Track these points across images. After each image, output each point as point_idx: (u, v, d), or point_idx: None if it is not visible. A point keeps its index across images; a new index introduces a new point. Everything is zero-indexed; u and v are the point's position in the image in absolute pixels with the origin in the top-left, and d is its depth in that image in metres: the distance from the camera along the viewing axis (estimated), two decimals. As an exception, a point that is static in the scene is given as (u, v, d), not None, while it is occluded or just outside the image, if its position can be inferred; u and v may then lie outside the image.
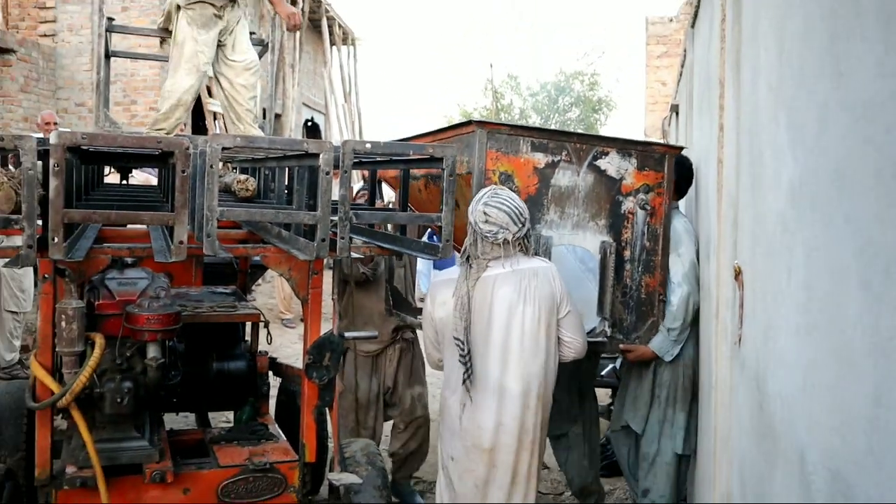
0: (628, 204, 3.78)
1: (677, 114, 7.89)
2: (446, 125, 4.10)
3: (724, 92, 2.96)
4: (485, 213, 3.21)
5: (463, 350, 3.19)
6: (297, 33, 16.33)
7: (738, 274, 2.39)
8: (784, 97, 1.77)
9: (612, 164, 3.73)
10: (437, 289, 3.42)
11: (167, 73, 5.17)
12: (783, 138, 1.75)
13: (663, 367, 3.93)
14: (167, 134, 5.01)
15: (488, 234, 3.21)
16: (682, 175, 3.99)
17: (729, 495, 2.51)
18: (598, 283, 3.76)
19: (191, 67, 4.98)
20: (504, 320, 3.20)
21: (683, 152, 4.04)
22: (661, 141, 11.11)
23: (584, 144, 3.72)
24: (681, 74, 7.06)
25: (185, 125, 5.23)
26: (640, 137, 13.49)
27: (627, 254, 3.80)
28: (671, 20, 13.98)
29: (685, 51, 6.01)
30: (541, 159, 3.64)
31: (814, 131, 1.49)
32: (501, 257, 3.23)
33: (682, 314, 3.84)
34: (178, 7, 5.02)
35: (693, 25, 4.98)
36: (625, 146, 3.78)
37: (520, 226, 3.22)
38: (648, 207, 3.78)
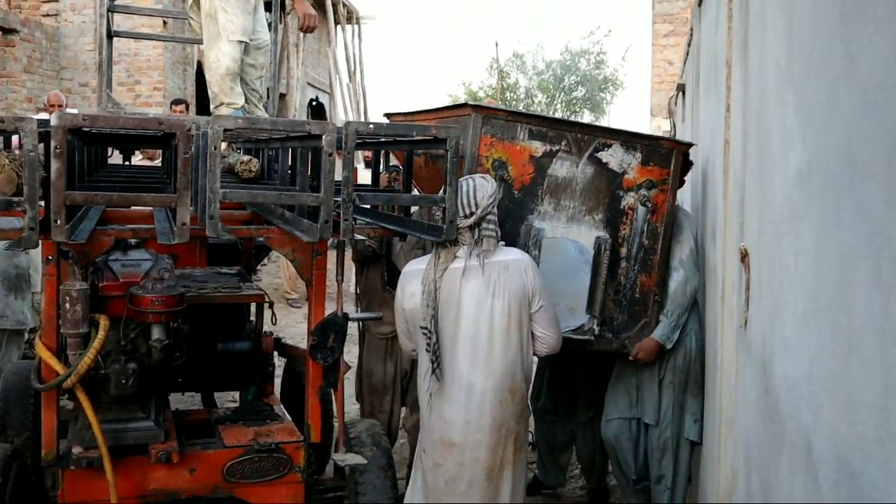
0: (629, 199, 3.65)
1: (684, 93, 7.84)
2: (444, 105, 4.03)
3: (731, 72, 2.92)
4: None
5: (430, 339, 3.15)
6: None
7: (744, 256, 2.38)
8: (792, 78, 1.75)
9: (614, 157, 3.62)
10: (406, 279, 3.34)
11: (208, 49, 5.06)
12: (792, 120, 1.73)
13: (673, 354, 3.87)
14: (230, 105, 4.94)
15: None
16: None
17: (734, 477, 2.51)
18: (590, 280, 3.67)
19: (229, 34, 4.94)
20: (473, 315, 3.16)
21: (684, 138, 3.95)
22: (668, 122, 11.04)
23: (586, 135, 3.60)
24: (687, 54, 7.00)
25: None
26: (647, 121, 13.39)
27: (624, 251, 3.69)
28: (678, -2, 13.85)
29: (692, 30, 5.96)
30: (538, 148, 3.54)
31: (823, 114, 1.47)
32: (468, 245, 3.17)
33: (677, 298, 3.76)
34: None
35: (700, 4, 4.93)
36: (630, 139, 3.66)
37: (462, 214, 3.14)
38: (650, 204, 3.66)
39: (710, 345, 3.68)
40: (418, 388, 3.37)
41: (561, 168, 3.58)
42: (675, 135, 9.16)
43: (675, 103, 9.40)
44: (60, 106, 8.02)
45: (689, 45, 6.65)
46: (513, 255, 3.26)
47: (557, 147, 3.56)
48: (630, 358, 3.81)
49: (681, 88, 8.26)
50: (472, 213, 3.15)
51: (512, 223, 3.55)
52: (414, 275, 3.29)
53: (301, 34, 16.02)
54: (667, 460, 3.97)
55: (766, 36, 2.13)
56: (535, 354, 3.31)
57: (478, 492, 3.19)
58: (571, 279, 3.72)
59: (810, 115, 1.57)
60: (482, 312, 3.16)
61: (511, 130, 3.51)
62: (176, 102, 9.80)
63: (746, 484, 2.23)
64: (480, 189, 3.18)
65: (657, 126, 12.66)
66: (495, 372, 3.16)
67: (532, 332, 3.26)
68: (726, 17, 3.10)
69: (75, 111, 6.75)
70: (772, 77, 2.02)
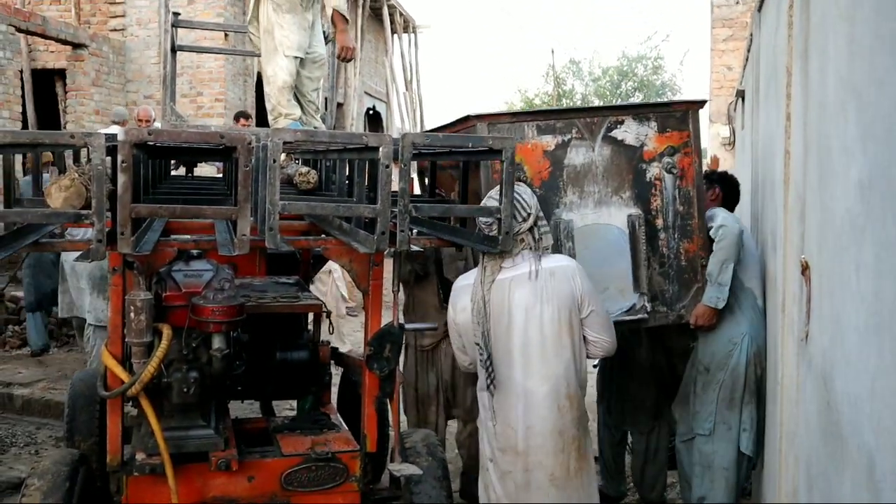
0: (654, 170, 3.62)
1: (743, 99, 7.71)
2: (450, 122, 4.09)
3: (791, 81, 2.87)
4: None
5: (483, 354, 3.18)
6: (359, 22, 16.42)
7: (805, 269, 2.33)
8: (854, 89, 1.71)
9: (629, 132, 3.60)
10: (457, 295, 3.39)
11: (266, 63, 5.18)
12: (853, 132, 1.70)
13: (723, 368, 3.77)
14: (287, 117, 5.05)
15: (483, 227, 3.19)
16: (729, 193, 3.85)
17: (795, 493, 2.46)
18: (631, 259, 3.63)
19: (284, 50, 5.04)
20: (523, 323, 3.18)
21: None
22: (728, 128, 10.86)
23: (595, 117, 3.59)
24: (747, 59, 6.89)
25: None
26: (706, 127, 13.19)
27: (660, 222, 3.65)
28: (737, 2, 13.62)
29: (751, 35, 5.86)
30: (549, 141, 3.55)
31: (885, 125, 1.44)
32: (515, 255, 3.18)
33: (711, 255, 3.66)
34: None
35: (759, 9, 4.85)
36: (640, 111, 3.63)
37: (519, 219, 3.16)
38: (676, 170, 3.62)
39: (770, 356, 3.61)
40: (479, 402, 3.38)
41: (577, 156, 3.58)
42: (735, 143, 9.01)
43: (735, 109, 9.25)
44: (148, 121, 8.25)
45: (748, 50, 6.54)
46: (559, 261, 3.27)
47: (569, 136, 3.57)
48: (691, 326, 3.75)
49: (740, 94, 8.12)
50: (528, 216, 3.20)
51: None
52: (464, 290, 3.33)
53: (358, 44, 16.18)
54: (708, 479, 3.83)
55: (827, 44, 2.09)
56: (589, 357, 3.31)
57: (546, 497, 3.20)
58: (617, 261, 3.68)
59: (871, 126, 1.54)
60: (532, 320, 3.17)
61: (518, 131, 3.53)
62: (240, 116, 9.98)
63: (808, 501, 2.18)
64: (524, 192, 3.23)
65: (716, 132, 12.46)
66: (550, 378, 3.17)
67: (585, 337, 3.26)
68: (786, 24, 3.04)
69: (159, 125, 6.95)
70: (832, 86, 1.98)
